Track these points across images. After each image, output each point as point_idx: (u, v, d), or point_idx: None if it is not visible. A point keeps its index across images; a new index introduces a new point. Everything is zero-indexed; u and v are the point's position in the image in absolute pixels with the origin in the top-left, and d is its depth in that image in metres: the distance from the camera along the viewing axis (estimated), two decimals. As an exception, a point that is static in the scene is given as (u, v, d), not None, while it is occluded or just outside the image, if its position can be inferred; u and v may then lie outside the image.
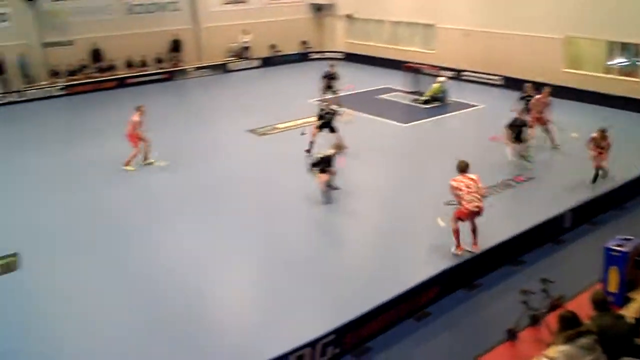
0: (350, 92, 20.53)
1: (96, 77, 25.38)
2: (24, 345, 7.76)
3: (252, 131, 17.26)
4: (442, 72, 21.43)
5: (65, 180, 14.02)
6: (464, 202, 9.18)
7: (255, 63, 28.66)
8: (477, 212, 9.30)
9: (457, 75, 23.58)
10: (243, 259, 10.01)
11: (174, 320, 8.16)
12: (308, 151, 14.37)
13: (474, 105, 19.69)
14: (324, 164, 11.83)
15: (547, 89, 14.73)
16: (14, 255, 10.10)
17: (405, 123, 17.96)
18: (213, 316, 8.43)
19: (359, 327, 7.38)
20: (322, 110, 14.76)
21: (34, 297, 8.97)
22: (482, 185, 9.42)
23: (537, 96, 14.71)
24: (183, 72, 26.94)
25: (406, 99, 20.75)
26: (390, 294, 7.70)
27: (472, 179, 9.24)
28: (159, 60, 27.10)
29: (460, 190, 9.17)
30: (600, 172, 12.30)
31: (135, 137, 14.18)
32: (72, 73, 25.16)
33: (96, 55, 25.80)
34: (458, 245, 9.56)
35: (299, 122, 17.77)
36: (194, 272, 9.46)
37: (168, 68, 26.96)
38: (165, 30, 27.11)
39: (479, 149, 14.40)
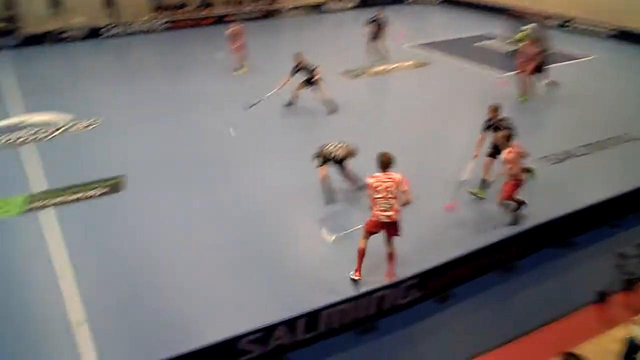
0: (439, 40, 19.83)
1: (195, 14, 26.13)
2: (126, 255, 8.47)
3: (346, 73, 17.25)
4: (545, 20, 20.19)
5: (174, 110, 14.69)
6: (374, 209, 7.37)
7: (351, 4, 28.28)
8: (390, 225, 7.37)
9: (564, 23, 22.17)
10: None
11: (261, 249, 8.60)
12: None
13: (577, 58, 18.52)
14: (325, 160, 9.62)
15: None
16: (120, 177, 10.87)
17: (501, 72, 17.19)
18: (297, 251, 8.76)
19: (444, 273, 7.44)
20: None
21: (136, 214, 9.69)
22: (408, 187, 7.24)
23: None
24: (278, 11, 27.11)
25: (504, 48, 19.82)
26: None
27: (391, 179, 7.18)
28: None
29: (376, 191, 7.24)
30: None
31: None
32: (174, 9, 26.02)
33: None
34: (357, 269, 7.71)
35: (393, 66, 17.63)
36: (283, 209, 9.81)
37: (264, 7, 27.23)
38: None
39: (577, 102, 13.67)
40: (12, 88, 16.76)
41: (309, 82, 13.93)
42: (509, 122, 9.44)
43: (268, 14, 26.88)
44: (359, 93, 15.82)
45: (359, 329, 6.84)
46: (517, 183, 8.64)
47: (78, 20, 24.48)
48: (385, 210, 7.21)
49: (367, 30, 18.47)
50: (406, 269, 7.37)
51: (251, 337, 6.16)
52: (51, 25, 23.75)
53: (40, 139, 12.96)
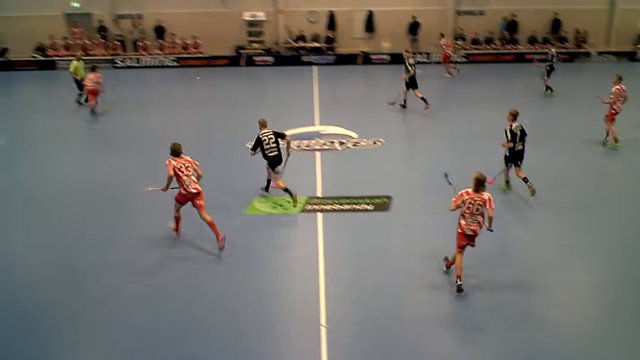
0: None
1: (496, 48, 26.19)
2: (376, 272, 8.91)
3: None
4: None
5: (458, 141, 15.13)
6: (462, 222, 8.36)
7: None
8: (471, 238, 8.35)
9: None
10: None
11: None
12: None
13: None
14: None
15: None
16: (388, 197, 11.59)
17: None
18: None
19: None
20: None
21: (395, 237, 10.13)
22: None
23: None
24: (585, 54, 25.51)
25: None
26: None
27: (482, 198, 8.15)
28: (562, 40, 26.18)
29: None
30: None
31: None
32: (475, 42, 26.52)
33: (512, 26, 26.48)
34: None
35: None
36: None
37: (570, 48, 25.90)
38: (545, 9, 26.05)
39: None
40: (317, 98, 19.21)
41: None
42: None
43: (573, 56, 25.48)
44: None
45: None
46: None
47: (386, 45, 26.77)
48: (470, 225, 8.27)
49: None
50: None
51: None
52: (363, 48, 26.48)
53: (331, 149, 14.59)
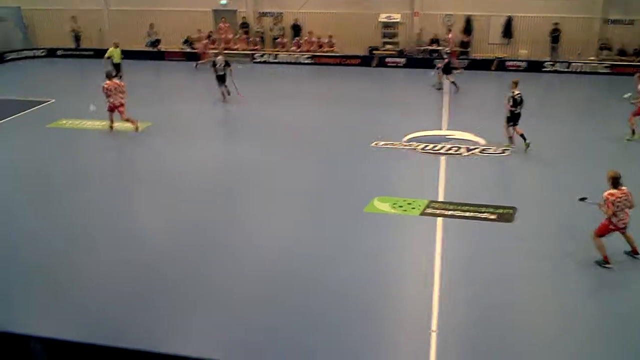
0: None
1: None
2: (491, 284, 8.79)
3: None
4: None
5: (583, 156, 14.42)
6: (614, 219, 9.04)
7: None
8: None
9: None
10: None
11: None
12: None
13: None
14: None
15: None
16: (512, 209, 11.27)
17: None
18: None
19: None
20: None
21: (514, 251, 9.85)
22: None
23: None
24: None
25: None
26: None
27: (625, 194, 8.98)
28: None
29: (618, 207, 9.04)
30: None
31: None
32: (623, 52, 24.79)
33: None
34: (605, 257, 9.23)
35: None
36: None
37: None
38: None
39: None
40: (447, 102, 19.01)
41: None
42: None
43: None
44: None
45: None
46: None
47: (523, 52, 25.80)
48: (624, 219, 9.04)
49: None
50: None
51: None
52: (499, 53, 25.78)
53: (457, 154, 14.44)
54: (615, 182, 8.99)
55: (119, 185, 12.98)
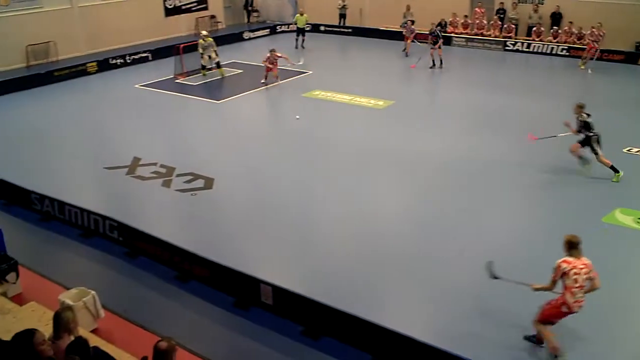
0: None
1: None
2: None
3: None
4: None
5: None
6: (570, 299, 6.63)
7: None
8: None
9: None
10: None
11: None
12: None
13: None
14: None
15: None
16: None
17: None
18: None
19: None
20: None
21: None
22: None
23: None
24: None
25: None
26: None
27: (586, 265, 6.62)
28: None
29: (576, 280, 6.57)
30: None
31: None
32: None
33: None
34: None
35: None
36: None
37: None
38: None
39: None
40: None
41: None
42: None
43: None
44: None
45: None
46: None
47: None
48: (580, 302, 6.68)
49: None
50: None
51: None
52: None
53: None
54: (573, 247, 6.67)
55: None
